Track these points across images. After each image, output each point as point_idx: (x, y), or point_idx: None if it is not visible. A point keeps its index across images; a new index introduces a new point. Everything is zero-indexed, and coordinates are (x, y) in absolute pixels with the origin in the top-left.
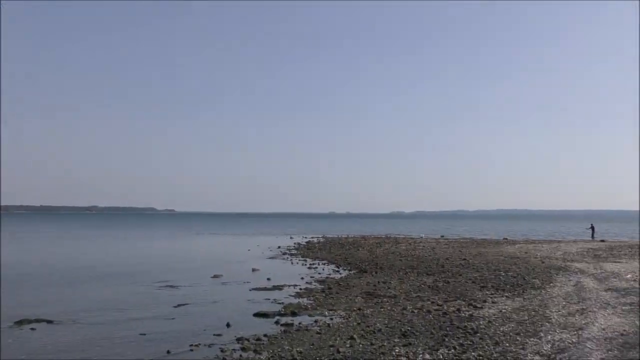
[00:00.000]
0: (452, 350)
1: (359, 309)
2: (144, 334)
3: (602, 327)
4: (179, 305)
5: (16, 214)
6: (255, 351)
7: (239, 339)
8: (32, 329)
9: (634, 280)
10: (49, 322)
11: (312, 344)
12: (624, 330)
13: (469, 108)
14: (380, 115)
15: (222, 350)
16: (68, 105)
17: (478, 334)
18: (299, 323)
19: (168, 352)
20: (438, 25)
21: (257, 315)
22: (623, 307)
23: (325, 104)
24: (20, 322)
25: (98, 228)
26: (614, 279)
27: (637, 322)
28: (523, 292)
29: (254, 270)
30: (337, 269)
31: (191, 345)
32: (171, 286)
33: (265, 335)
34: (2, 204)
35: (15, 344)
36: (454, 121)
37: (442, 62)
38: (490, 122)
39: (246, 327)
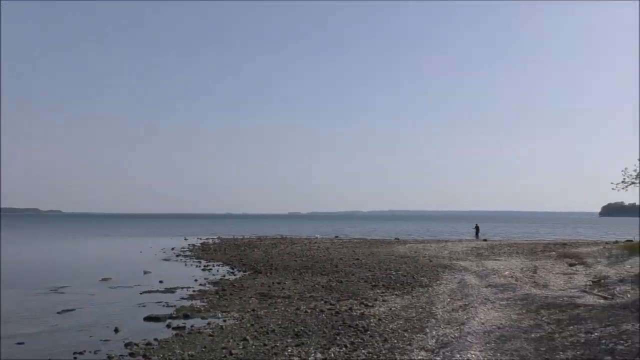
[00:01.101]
0: (344, 349)
1: (253, 310)
2: (22, 343)
3: (482, 321)
4: (63, 312)
5: None
6: (144, 356)
7: (127, 344)
8: None
9: (511, 277)
10: None
11: (204, 347)
12: (501, 324)
13: (364, 110)
14: (269, 114)
15: (109, 357)
16: None
17: (368, 332)
18: (192, 326)
19: None
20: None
21: (147, 319)
22: (501, 302)
23: (219, 101)
24: None
25: None
26: (494, 276)
27: (513, 316)
28: (412, 290)
29: (145, 272)
30: (231, 270)
31: (75, 353)
32: (55, 291)
33: (155, 340)
34: None
35: None
36: (351, 124)
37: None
38: (383, 124)
39: (136, 332)
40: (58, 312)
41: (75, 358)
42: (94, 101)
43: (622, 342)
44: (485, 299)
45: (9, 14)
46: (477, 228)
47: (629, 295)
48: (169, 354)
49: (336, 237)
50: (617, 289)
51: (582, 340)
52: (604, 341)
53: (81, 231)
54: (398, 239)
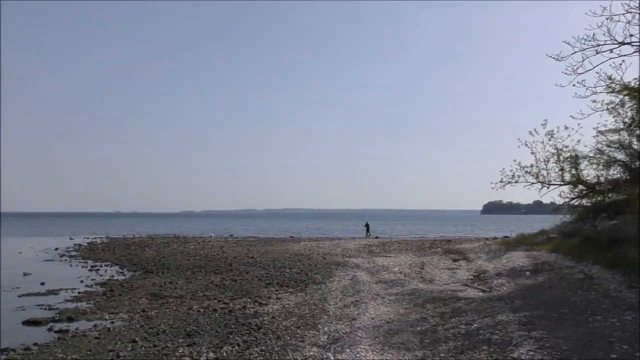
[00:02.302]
0: (236, 347)
1: (143, 311)
2: None
3: (372, 316)
4: None
5: None
6: None
7: (3, 350)
8: None
9: (400, 273)
10: None
11: (90, 350)
12: (390, 319)
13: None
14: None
15: None
16: None
17: (262, 330)
18: (76, 329)
19: None
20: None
21: (26, 323)
22: (390, 297)
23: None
24: None
25: None
26: (384, 272)
27: (401, 311)
28: (305, 287)
29: (25, 274)
30: (121, 271)
31: None
32: None
33: (35, 344)
34: None
35: None
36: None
37: None
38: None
39: (14, 337)
40: None
41: None
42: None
43: (497, 332)
44: (375, 294)
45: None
46: (367, 226)
47: (504, 288)
48: (50, 358)
49: (231, 235)
50: (495, 282)
51: (463, 332)
52: (481, 332)
53: None
54: (293, 237)
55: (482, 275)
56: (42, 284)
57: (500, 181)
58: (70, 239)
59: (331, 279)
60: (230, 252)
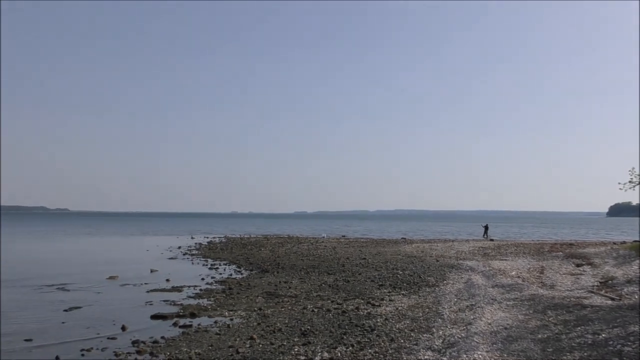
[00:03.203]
0: (350, 348)
1: (260, 309)
2: (30, 340)
3: (489, 321)
4: (70, 309)
5: None
6: (151, 354)
7: (134, 342)
8: None
9: (518, 277)
10: None
11: (211, 345)
12: (508, 324)
13: (364, 108)
14: (285, 116)
15: (116, 354)
16: None
17: (375, 332)
18: (198, 324)
19: (57, 358)
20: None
21: (154, 317)
22: (507, 303)
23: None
24: None
25: None
26: (501, 276)
27: (520, 317)
28: (418, 289)
29: (152, 271)
30: (238, 269)
31: (82, 350)
32: (62, 289)
33: (162, 338)
34: None
35: None
36: (344, 122)
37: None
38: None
39: (143, 330)
40: (65, 310)
41: (82, 355)
42: (101, 100)
43: (629, 343)
44: (492, 299)
45: (9, 14)
46: (486, 227)
47: (636, 297)
48: (176, 352)
49: (343, 236)
50: (625, 290)
51: (590, 342)
52: (611, 342)
53: (87, 229)
54: (405, 238)
55: (609, 282)
56: (167, 280)
57: (630, 181)
58: (191, 238)
59: (445, 281)
60: (342, 253)
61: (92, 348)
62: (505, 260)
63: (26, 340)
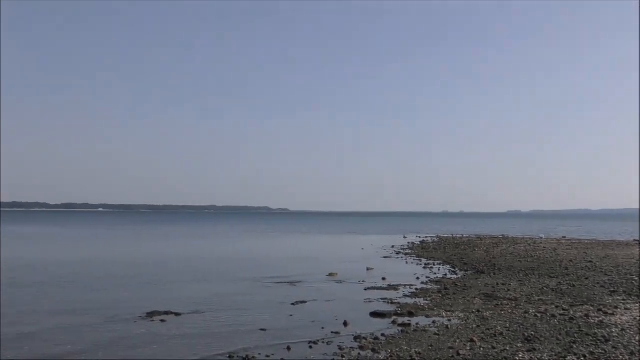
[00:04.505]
0: (582, 359)
1: (478, 311)
2: (265, 329)
3: None
4: (296, 303)
5: (142, 212)
6: (373, 350)
7: (356, 338)
8: (162, 320)
9: None
10: (177, 314)
11: (431, 345)
12: None
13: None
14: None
15: (340, 348)
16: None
17: (610, 342)
18: (416, 323)
19: (288, 348)
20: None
21: (373, 314)
22: None
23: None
24: (151, 314)
25: (214, 226)
26: None
27: None
28: None
29: (368, 269)
30: (453, 270)
31: (310, 342)
32: (289, 284)
33: (382, 335)
34: (131, 204)
35: (147, 334)
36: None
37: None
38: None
39: (363, 326)
40: (292, 304)
41: (310, 347)
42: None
43: None
44: None
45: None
46: None
47: None
48: (397, 349)
49: (563, 237)
50: None
51: None
52: None
53: (305, 228)
54: (637, 240)
55: None
56: (383, 278)
57: None
58: (404, 237)
59: None
60: (564, 255)
61: (318, 341)
62: None
63: (261, 329)
